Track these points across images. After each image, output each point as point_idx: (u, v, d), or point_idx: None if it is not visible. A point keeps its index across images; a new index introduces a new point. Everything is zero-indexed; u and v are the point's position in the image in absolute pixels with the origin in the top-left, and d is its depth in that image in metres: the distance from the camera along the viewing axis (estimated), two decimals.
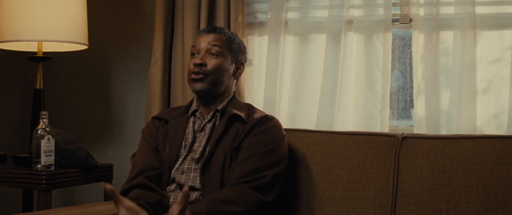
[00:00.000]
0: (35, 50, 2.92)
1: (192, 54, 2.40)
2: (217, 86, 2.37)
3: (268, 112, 2.84)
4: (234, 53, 2.43)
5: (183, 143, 2.35)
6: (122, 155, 3.27)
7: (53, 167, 2.66)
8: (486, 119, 2.63)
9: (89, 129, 3.45)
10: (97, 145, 3.40)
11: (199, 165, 2.27)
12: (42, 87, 2.92)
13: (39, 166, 2.62)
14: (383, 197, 2.30)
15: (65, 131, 2.92)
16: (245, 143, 2.28)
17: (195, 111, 2.42)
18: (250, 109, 2.44)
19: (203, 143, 2.32)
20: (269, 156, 2.26)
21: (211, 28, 2.46)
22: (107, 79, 3.43)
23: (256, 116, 2.37)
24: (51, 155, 2.63)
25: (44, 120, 2.61)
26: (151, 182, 2.26)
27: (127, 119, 3.37)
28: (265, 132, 2.31)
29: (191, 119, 2.41)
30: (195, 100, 2.45)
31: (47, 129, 2.61)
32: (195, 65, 2.35)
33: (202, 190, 2.23)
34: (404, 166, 2.32)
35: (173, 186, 2.29)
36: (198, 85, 2.35)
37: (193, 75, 2.35)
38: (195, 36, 2.49)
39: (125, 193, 2.23)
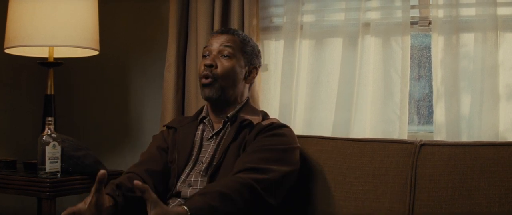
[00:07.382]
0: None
1: (204, 56, 2.34)
2: (227, 92, 2.30)
3: (284, 118, 2.82)
4: (248, 56, 2.36)
5: (191, 151, 2.29)
6: None
7: (59, 174, 2.63)
8: (509, 125, 2.56)
9: (106, 135, 3.45)
10: (114, 151, 3.40)
11: (207, 176, 2.21)
12: (53, 93, 2.92)
13: (43, 173, 2.59)
14: (399, 208, 2.23)
15: (81, 137, 2.91)
16: (254, 142, 2.19)
17: (204, 117, 2.36)
18: (264, 115, 2.38)
19: (211, 153, 2.26)
20: (278, 153, 2.16)
21: (225, 29, 2.41)
22: (123, 85, 3.43)
23: (267, 122, 2.29)
24: (57, 162, 2.60)
25: (49, 126, 2.59)
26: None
27: (144, 125, 3.36)
28: (277, 135, 2.22)
29: (200, 126, 2.36)
30: (205, 107, 2.40)
31: (53, 135, 2.58)
32: (206, 66, 2.29)
33: None
34: (421, 175, 2.25)
35: (176, 201, 2.21)
36: (207, 91, 2.29)
37: (203, 80, 2.29)
38: (208, 38, 2.44)
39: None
